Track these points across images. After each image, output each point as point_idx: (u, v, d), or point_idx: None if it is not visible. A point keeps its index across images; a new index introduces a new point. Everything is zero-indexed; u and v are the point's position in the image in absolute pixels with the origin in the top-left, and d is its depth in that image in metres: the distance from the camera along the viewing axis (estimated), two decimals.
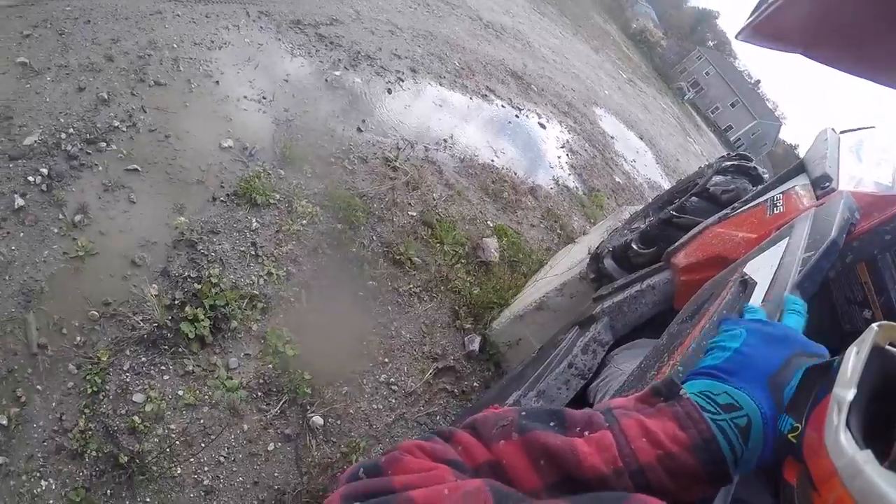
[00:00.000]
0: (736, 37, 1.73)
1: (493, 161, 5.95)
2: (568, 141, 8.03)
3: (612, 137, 9.77)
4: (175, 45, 4.17)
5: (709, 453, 0.86)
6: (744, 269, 1.84)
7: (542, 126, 7.77)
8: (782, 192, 2.35)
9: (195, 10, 4.55)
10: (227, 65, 4.35)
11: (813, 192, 2.21)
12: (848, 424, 0.61)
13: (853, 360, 0.69)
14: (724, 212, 2.71)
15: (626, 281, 2.95)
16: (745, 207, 2.61)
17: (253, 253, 3.32)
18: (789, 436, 0.81)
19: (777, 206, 2.27)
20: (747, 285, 1.69)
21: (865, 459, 0.56)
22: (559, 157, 7.36)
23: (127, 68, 3.80)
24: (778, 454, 0.85)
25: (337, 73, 5.14)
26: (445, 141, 5.54)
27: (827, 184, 2.25)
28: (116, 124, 3.43)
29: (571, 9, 14.96)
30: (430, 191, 4.67)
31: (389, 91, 5.60)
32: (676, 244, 2.70)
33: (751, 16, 1.37)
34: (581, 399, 2.37)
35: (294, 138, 4.16)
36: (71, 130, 3.27)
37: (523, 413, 0.89)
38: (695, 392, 0.96)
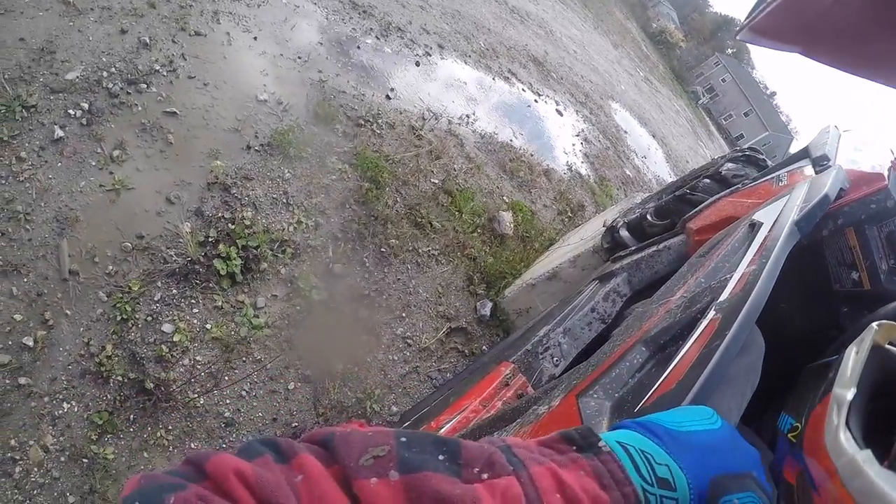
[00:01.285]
0: (735, 36, 1.81)
1: (511, 141, 6.05)
2: (583, 130, 8.12)
3: (625, 132, 9.84)
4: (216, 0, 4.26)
5: None
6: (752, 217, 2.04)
7: (560, 113, 7.87)
8: (787, 171, 2.59)
9: None
10: (265, 23, 4.43)
11: (813, 170, 2.42)
12: (848, 424, 0.62)
13: (853, 359, 0.70)
14: (735, 186, 2.92)
15: (642, 244, 3.08)
16: (753, 183, 2.81)
17: (284, 201, 3.42)
18: (789, 436, 0.85)
19: (782, 180, 2.49)
20: (755, 226, 1.86)
21: (865, 459, 0.57)
22: (574, 145, 7.45)
23: (168, 16, 3.88)
24: (778, 454, 0.85)
25: (369, 41, 5.23)
26: (468, 117, 5.63)
27: (825, 162, 2.47)
28: (157, 68, 3.52)
29: (594, 2, 14.98)
30: (451, 161, 4.77)
31: (418, 64, 5.69)
32: (691, 213, 2.88)
33: (750, 14, 1.38)
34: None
35: (327, 98, 4.25)
36: (113, 70, 3.35)
37: (403, 440, 0.71)
38: (630, 445, 0.84)
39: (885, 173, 2.06)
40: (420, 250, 3.86)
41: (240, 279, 3.00)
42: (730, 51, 64.27)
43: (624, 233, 3.39)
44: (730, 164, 3.25)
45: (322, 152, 3.85)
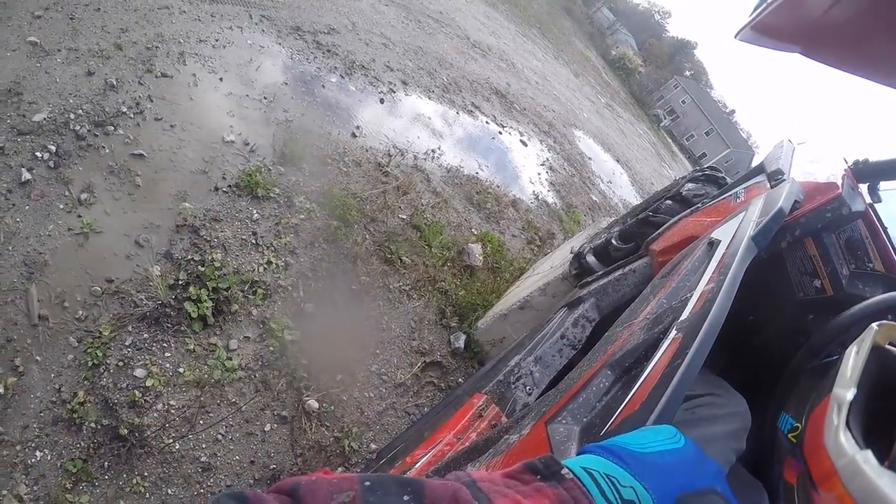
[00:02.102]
0: (735, 36, 1.83)
1: (477, 173, 6.12)
2: (548, 159, 8.24)
3: (589, 158, 9.99)
4: (181, 41, 4.28)
5: None
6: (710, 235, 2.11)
7: (524, 144, 8.00)
8: (744, 187, 2.64)
9: (201, 8, 4.66)
10: (231, 64, 4.47)
11: (768, 185, 2.45)
12: (848, 424, 0.62)
13: (853, 359, 0.70)
14: (696, 206, 3.00)
15: (609, 269, 3.14)
16: (713, 202, 2.89)
17: (254, 242, 3.42)
18: (789, 436, 0.86)
19: (739, 197, 2.54)
20: (713, 244, 1.92)
21: (865, 459, 0.57)
22: (539, 174, 7.56)
23: (135, 58, 3.90)
24: (779, 454, 0.87)
25: (333, 79, 5.28)
26: (433, 151, 5.70)
27: (780, 176, 2.49)
28: (124, 110, 3.53)
29: (554, 33, 15.24)
30: (418, 197, 4.81)
31: (382, 101, 5.75)
32: (654, 234, 2.96)
33: (751, 15, 1.38)
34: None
35: (293, 138, 4.29)
36: (80, 111, 3.36)
37: (368, 484, 0.69)
38: (595, 469, 0.84)
39: (839, 182, 2.12)
40: (391, 286, 3.86)
41: (211, 321, 2.98)
42: (688, 73, 65.81)
43: (591, 258, 3.47)
44: (690, 185, 3.36)
45: (290, 192, 3.86)
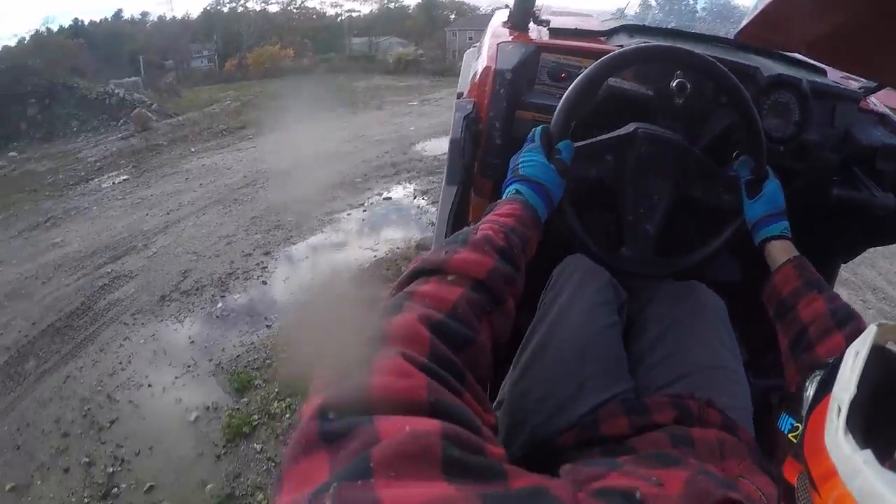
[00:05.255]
0: (735, 36, 1.73)
1: (375, 256, 6.67)
2: (415, 189, 8.83)
3: (444, 154, 10.36)
4: (99, 388, 4.71)
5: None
6: None
7: (388, 198, 8.58)
8: None
9: (87, 355, 5.09)
10: (145, 368, 4.93)
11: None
12: (848, 424, 0.61)
13: (853, 359, 0.69)
14: None
15: None
16: None
17: (274, 464, 3.87)
18: (789, 436, 0.88)
19: None
20: None
21: (865, 459, 0.55)
22: (419, 206, 8.17)
23: (82, 430, 4.33)
24: (778, 455, 0.90)
25: (219, 305, 5.75)
26: (331, 276, 6.11)
27: (461, 95, 2.55)
28: (111, 470, 3.95)
29: (340, 98, 15.70)
30: (349, 318, 5.30)
31: (265, 282, 6.25)
32: None
33: (751, 15, 1.34)
34: None
35: (231, 372, 4.77)
36: (86, 500, 3.76)
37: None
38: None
39: (488, 63, 2.16)
40: None
41: None
42: (452, 16, 66.80)
43: None
44: None
45: (264, 407, 4.34)
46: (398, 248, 6.84)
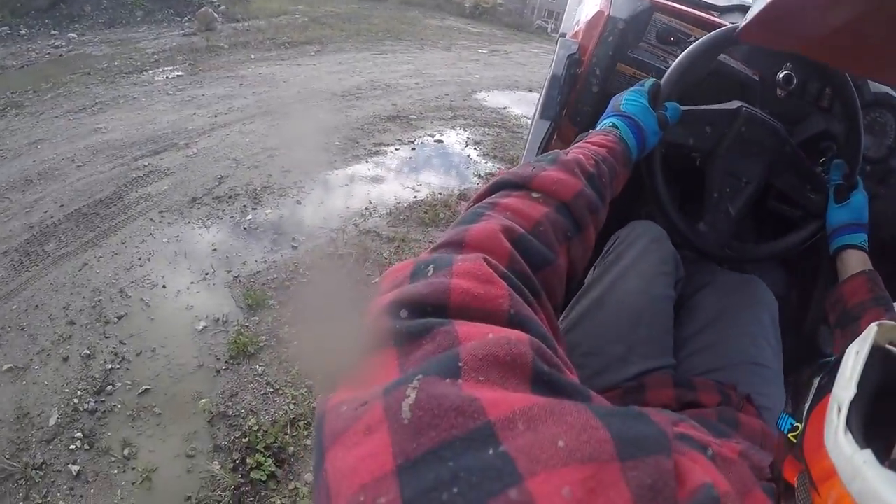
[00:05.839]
0: (736, 37, 1.79)
1: (416, 197, 6.44)
2: (468, 137, 8.51)
3: (504, 108, 10.16)
4: (114, 281, 4.62)
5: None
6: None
7: (440, 141, 8.28)
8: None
9: (108, 246, 4.99)
10: (162, 269, 4.82)
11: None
12: (848, 424, 0.62)
13: (853, 359, 0.69)
14: None
15: None
16: None
17: (272, 390, 3.76)
18: (789, 436, 0.85)
19: None
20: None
21: (865, 459, 0.56)
22: (468, 155, 7.86)
23: (89, 322, 4.25)
24: (778, 454, 0.87)
25: (248, 217, 5.60)
26: (367, 209, 6.00)
27: (564, 35, 2.60)
28: (109, 366, 3.88)
29: (407, 31, 15.44)
30: (377, 253, 5.15)
31: (299, 202, 6.07)
32: None
33: (751, 15, 1.39)
34: None
35: (249, 288, 4.62)
36: (79, 393, 3.69)
37: None
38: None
39: (603, 4, 2.15)
40: None
41: (280, 474, 3.32)
42: None
43: None
44: None
45: (274, 332, 4.20)
46: (440, 194, 6.63)
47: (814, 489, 0.63)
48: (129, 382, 3.80)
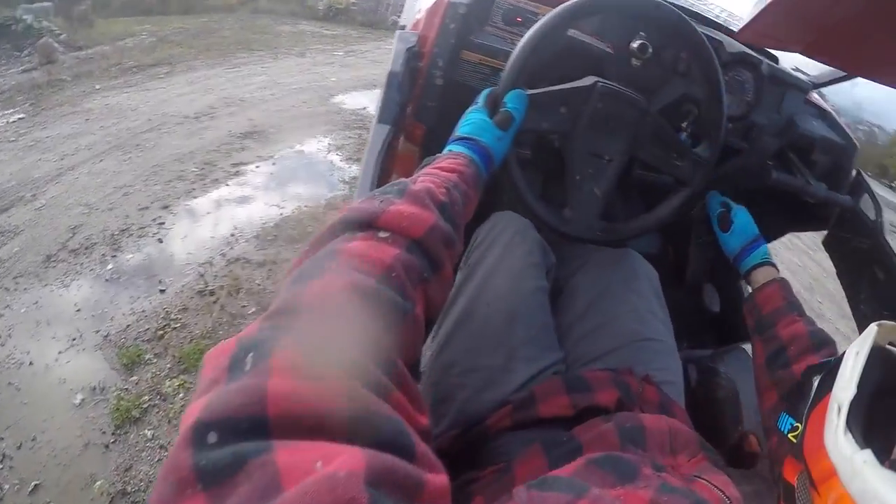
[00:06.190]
0: (735, 37, 1.89)
1: (282, 214, 6.37)
2: (329, 143, 8.46)
3: (363, 108, 10.08)
4: None
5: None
6: None
7: (301, 152, 8.17)
8: None
9: None
10: (26, 343, 4.53)
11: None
12: (848, 424, 0.63)
13: (853, 359, 0.70)
14: None
15: None
16: None
17: (167, 453, 3.62)
18: (789, 436, 0.87)
19: None
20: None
21: (865, 459, 0.57)
22: (332, 162, 7.84)
23: None
24: (778, 454, 0.90)
25: (109, 266, 5.34)
26: (233, 236, 5.87)
27: (404, 28, 2.49)
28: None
29: (259, 40, 15.07)
30: (249, 281, 5.07)
31: (161, 241, 5.83)
32: None
33: (751, 15, 1.36)
34: None
35: (120, 345, 4.43)
36: None
37: None
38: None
39: None
40: None
41: None
42: None
43: None
44: None
45: (155, 386, 4.07)
46: (306, 207, 6.58)
47: (814, 489, 0.64)
48: (16, 482, 3.53)
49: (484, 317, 1.52)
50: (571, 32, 1.86)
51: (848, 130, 2.45)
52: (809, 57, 1.76)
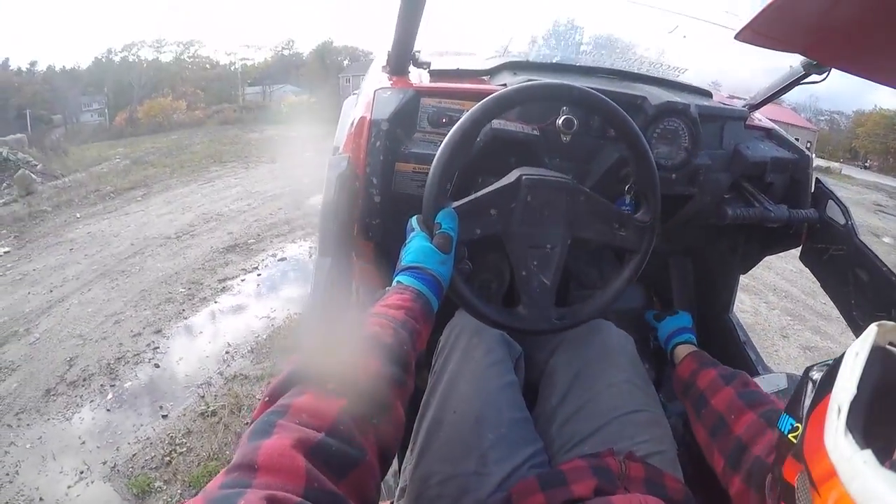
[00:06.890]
0: (735, 38, 1.64)
1: (273, 325, 6.57)
2: (310, 247, 8.72)
3: None
4: None
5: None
6: None
7: (283, 259, 8.46)
8: None
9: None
10: (34, 479, 4.56)
11: None
12: (848, 425, 0.62)
13: (853, 360, 0.69)
14: None
15: None
16: None
17: None
18: (789, 436, 0.86)
19: None
20: None
21: (865, 459, 0.56)
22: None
23: None
24: (779, 454, 0.88)
25: (109, 396, 5.44)
26: (227, 353, 6.01)
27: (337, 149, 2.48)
28: None
29: (230, 151, 15.40)
30: (250, 398, 5.18)
31: (157, 365, 5.95)
32: None
33: (751, 16, 1.35)
34: None
35: (128, 475, 4.49)
36: None
37: None
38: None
39: (363, 113, 2.06)
40: None
41: None
42: (346, 62, 66.92)
43: None
44: None
45: None
46: (296, 314, 6.76)
47: (814, 489, 0.64)
48: None
49: (453, 423, 1.53)
50: (496, 123, 1.84)
51: (797, 143, 2.46)
52: (810, 58, 1.80)
